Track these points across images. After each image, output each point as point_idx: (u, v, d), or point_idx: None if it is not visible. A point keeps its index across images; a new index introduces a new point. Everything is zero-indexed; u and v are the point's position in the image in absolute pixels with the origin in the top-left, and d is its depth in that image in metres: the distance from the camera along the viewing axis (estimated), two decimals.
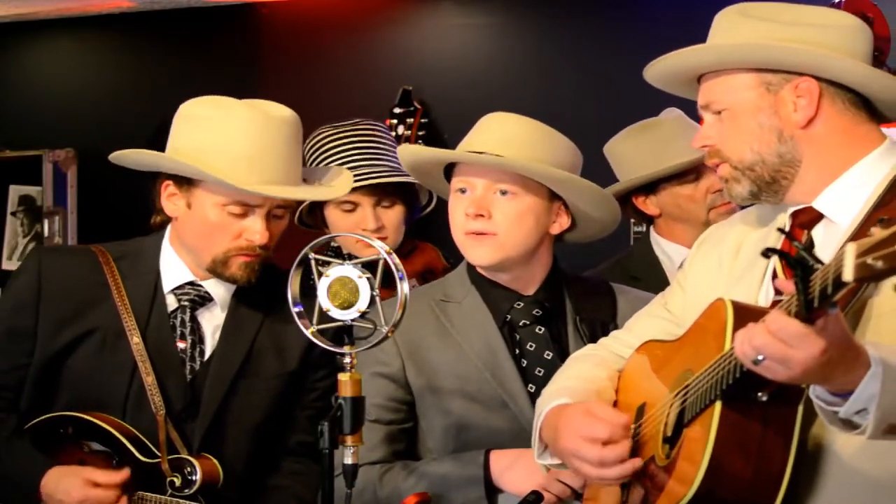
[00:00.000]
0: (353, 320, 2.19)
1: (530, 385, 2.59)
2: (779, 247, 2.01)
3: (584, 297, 2.69)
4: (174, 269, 2.68)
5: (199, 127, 2.61)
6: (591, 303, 2.68)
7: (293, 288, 2.25)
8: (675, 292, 2.32)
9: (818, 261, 1.63)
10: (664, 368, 2.14)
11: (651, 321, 2.34)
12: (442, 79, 4.84)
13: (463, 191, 2.61)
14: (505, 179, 2.57)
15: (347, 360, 2.19)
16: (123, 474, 2.53)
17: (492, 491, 2.51)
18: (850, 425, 1.78)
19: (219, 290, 2.68)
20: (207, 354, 2.67)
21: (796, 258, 1.64)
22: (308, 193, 2.73)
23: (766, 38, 2.03)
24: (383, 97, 4.66)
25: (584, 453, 2.07)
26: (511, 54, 4.87)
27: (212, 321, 2.69)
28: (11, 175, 5.64)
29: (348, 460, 2.15)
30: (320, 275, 2.21)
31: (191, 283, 2.68)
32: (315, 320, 2.23)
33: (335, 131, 3.35)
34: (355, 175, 3.11)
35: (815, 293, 1.62)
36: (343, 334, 2.20)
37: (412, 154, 2.73)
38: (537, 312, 2.64)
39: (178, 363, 2.64)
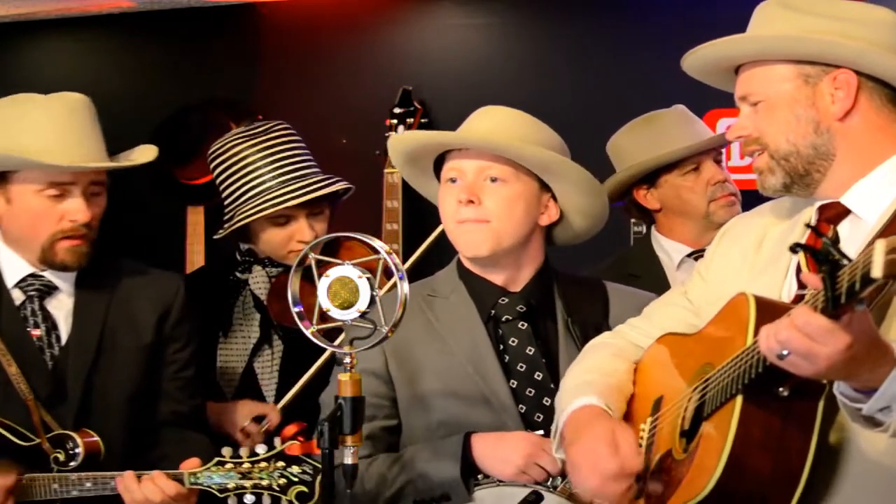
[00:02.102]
0: (353, 320, 2.19)
1: (512, 381, 2.61)
2: (804, 240, 2.02)
3: (575, 297, 2.69)
4: (12, 264, 2.78)
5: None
6: (583, 303, 2.69)
7: (293, 287, 2.25)
8: (696, 282, 2.33)
9: (845, 256, 1.63)
10: (682, 362, 2.15)
11: (670, 310, 2.35)
12: (442, 79, 4.83)
13: (453, 180, 2.63)
14: (495, 165, 2.59)
15: (347, 360, 2.19)
16: (10, 480, 2.57)
17: (469, 471, 2.52)
18: (873, 422, 1.79)
19: (61, 278, 2.78)
20: (64, 340, 2.76)
21: (824, 253, 1.64)
22: (117, 163, 2.82)
23: (806, 31, 2.04)
24: (383, 97, 4.66)
25: (588, 476, 2.11)
26: (511, 54, 4.86)
27: (61, 308, 2.79)
28: None
29: (348, 460, 2.16)
30: (320, 275, 2.21)
31: (32, 275, 2.77)
32: (316, 320, 2.23)
33: (249, 143, 3.34)
34: (289, 190, 3.16)
35: (843, 289, 1.62)
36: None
37: (405, 141, 2.74)
38: (521, 308, 2.65)
39: (36, 351, 2.73)
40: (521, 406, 2.59)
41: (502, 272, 2.67)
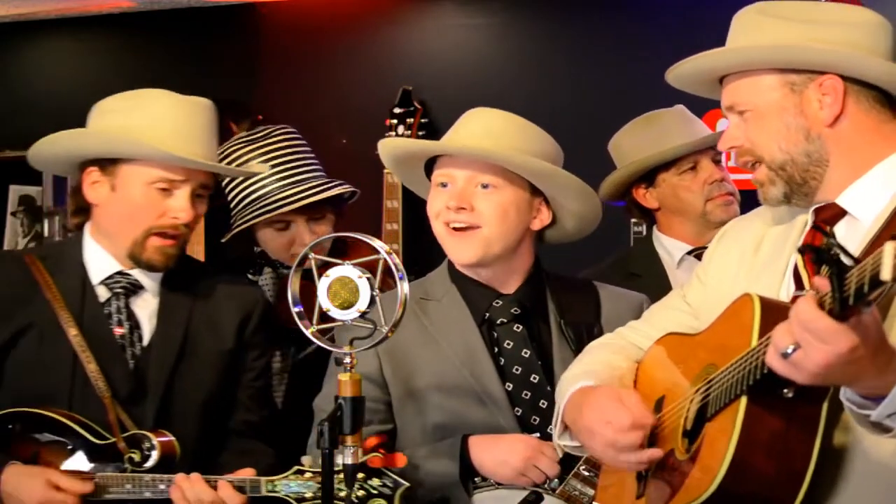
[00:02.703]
0: (353, 320, 2.19)
1: (507, 383, 2.60)
2: (801, 242, 2.02)
3: (567, 298, 2.68)
4: (100, 260, 2.74)
5: (119, 115, 2.68)
6: (575, 304, 2.68)
7: (293, 287, 2.25)
8: (695, 285, 2.33)
9: (852, 257, 1.62)
10: (685, 362, 2.14)
11: (670, 313, 2.34)
12: (442, 79, 4.83)
13: (444, 185, 2.62)
14: (487, 173, 2.58)
15: (347, 360, 2.19)
16: (87, 486, 2.54)
17: (468, 474, 2.52)
18: (881, 428, 1.78)
19: (147, 277, 2.75)
20: (146, 340, 2.72)
21: (829, 254, 1.63)
22: (236, 170, 2.83)
23: (789, 38, 2.03)
24: (383, 97, 4.66)
25: (602, 432, 2.09)
26: (511, 54, 4.86)
27: (146, 308, 2.75)
28: (11, 175, 5.63)
29: (348, 460, 2.16)
30: (320, 275, 2.21)
31: (119, 273, 2.74)
32: (316, 320, 2.23)
33: (250, 148, 3.34)
34: (286, 195, 3.17)
35: (851, 291, 1.61)
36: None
37: (394, 147, 2.73)
38: (516, 311, 2.64)
39: (118, 349, 2.69)
40: (517, 409, 2.59)
41: (494, 275, 2.66)
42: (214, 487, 2.46)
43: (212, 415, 2.76)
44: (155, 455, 2.57)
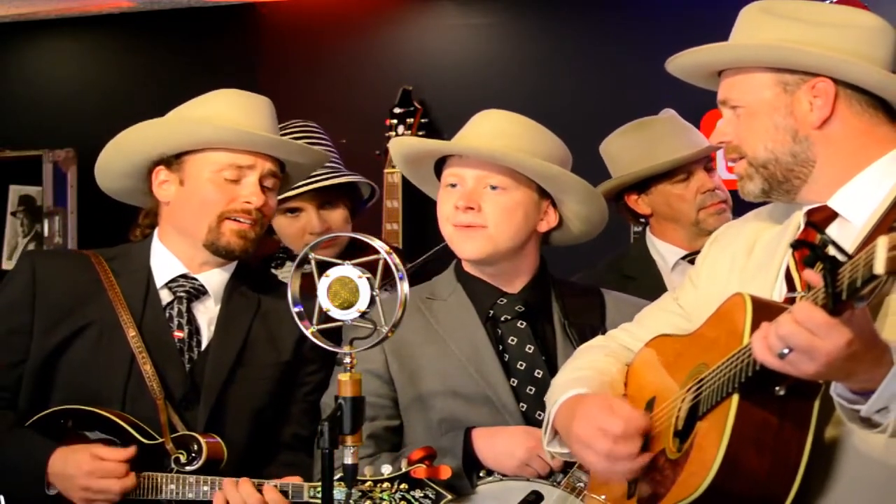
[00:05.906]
0: (353, 320, 2.19)
1: (512, 379, 2.61)
2: (796, 239, 2.03)
3: (572, 301, 2.70)
4: (166, 263, 2.73)
5: (183, 111, 2.72)
6: (580, 307, 2.70)
7: (293, 287, 2.25)
8: (687, 288, 2.33)
9: (845, 252, 1.63)
10: (676, 362, 2.14)
11: (662, 315, 2.35)
12: (442, 79, 4.84)
13: (453, 185, 2.63)
14: (496, 174, 2.60)
15: (347, 360, 2.19)
16: (130, 451, 2.55)
17: (471, 467, 2.52)
18: (870, 423, 1.79)
19: (212, 283, 2.74)
20: (204, 345, 2.71)
21: (824, 251, 1.64)
22: (306, 147, 2.80)
23: (787, 38, 2.04)
24: (383, 97, 4.66)
25: (596, 444, 2.07)
26: (511, 54, 4.87)
27: (206, 313, 2.74)
28: (11, 175, 5.64)
29: (348, 460, 2.16)
30: (320, 275, 2.21)
31: (184, 276, 2.73)
32: (316, 320, 2.23)
33: None
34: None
35: (844, 286, 1.62)
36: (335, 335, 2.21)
37: (405, 146, 2.74)
38: (520, 308, 2.66)
39: (175, 353, 2.68)
40: (521, 404, 2.60)
41: (500, 274, 2.68)
42: (260, 492, 2.47)
43: (263, 425, 2.74)
44: (201, 457, 2.56)
